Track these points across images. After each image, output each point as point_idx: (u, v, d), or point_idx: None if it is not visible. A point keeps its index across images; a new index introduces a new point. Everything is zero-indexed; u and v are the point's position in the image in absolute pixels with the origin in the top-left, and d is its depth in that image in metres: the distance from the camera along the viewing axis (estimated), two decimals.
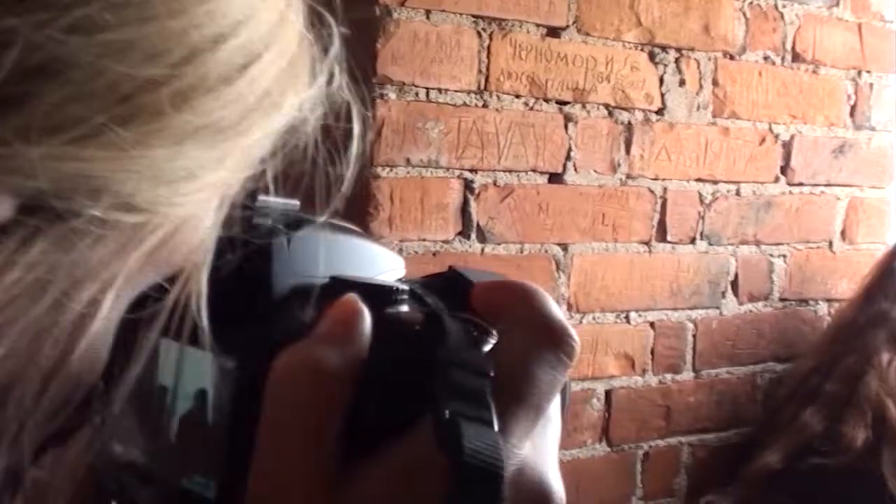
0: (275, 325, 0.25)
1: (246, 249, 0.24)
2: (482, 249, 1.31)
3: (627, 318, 1.47)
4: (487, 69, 1.31)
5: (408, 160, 1.24)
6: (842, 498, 1.38)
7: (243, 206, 0.25)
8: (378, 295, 0.26)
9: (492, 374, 0.24)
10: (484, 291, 0.27)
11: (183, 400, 0.25)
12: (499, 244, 1.33)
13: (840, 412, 1.41)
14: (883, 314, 1.49)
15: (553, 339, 0.26)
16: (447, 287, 0.28)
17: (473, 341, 0.25)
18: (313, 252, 0.26)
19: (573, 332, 0.26)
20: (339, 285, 0.26)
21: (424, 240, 1.26)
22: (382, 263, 0.29)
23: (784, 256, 1.63)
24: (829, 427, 1.40)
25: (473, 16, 1.30)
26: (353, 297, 0.25)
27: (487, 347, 0.25)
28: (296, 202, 0.27)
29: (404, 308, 0.26)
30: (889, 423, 1.37)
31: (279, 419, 0.23)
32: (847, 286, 1.69)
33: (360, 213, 1.20)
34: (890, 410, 1.38)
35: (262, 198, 0.26)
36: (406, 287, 0.27)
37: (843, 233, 1.71)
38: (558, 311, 0.27)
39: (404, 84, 1.24)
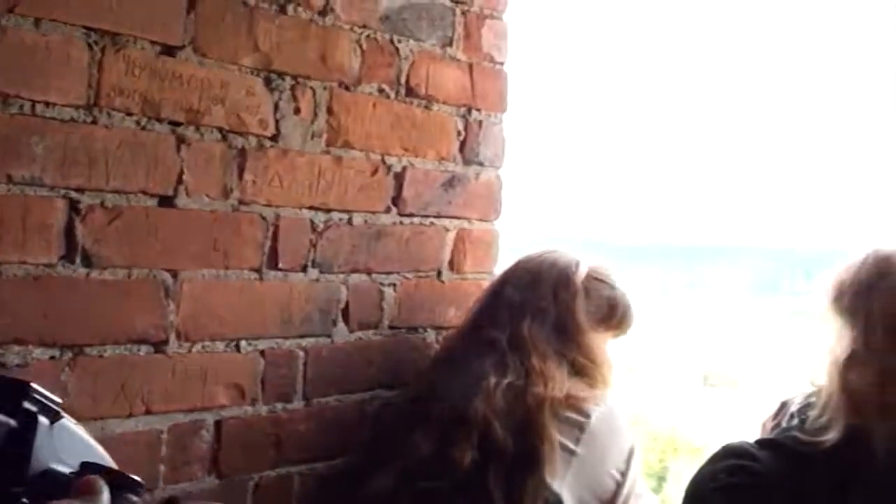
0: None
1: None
2: (87, 274, 1.72)
3: (238, 346, 1.98)
4: (98, 84, 1.73)
5: (9, 177, 1.61)
6: None
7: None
8: (124, 484, 0.63)
9: None
10: None
11: None
12: (105, 269, 1.75)
13: (448, 434, 2.03)
14: (490, 341, 2.15)
15: None
16: None
17: None
18: (68, 439, 0.60)
19: None
20: (90, 469, 0.61)
21: (25, 262, 1.64)
22: (103, 455, 0.67)
23: (394, 285, 2.27)
24: (437, 449, 2.02)
25: (86, 28, 1.71)
26: (97, 478, 0.60)
27: None
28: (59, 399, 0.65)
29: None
30: (495, 444, 2.02)
31: None
32: (455, 314, 2.39)
33: None
34: (496, 431, 2.03)
35: (35, 385, 0.61)
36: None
37: (451, 263, 2.41)
38: None
39: (8, 96, 1.61)
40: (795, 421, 1.74)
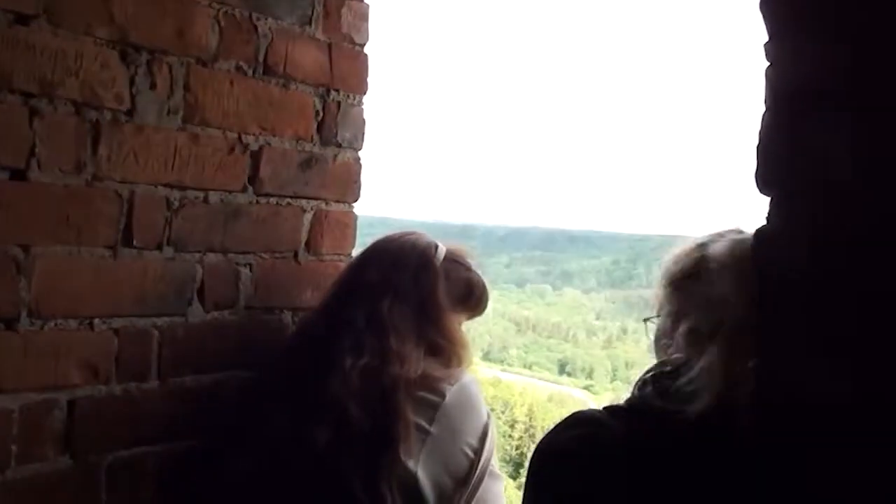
0: None
1: None
2: None
3: (91, 324, 2.03)
4: None
5: None
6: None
7: None
8: None
9: None
10: None
11: None
12: None
13: (304, 415, 2.13)
14: (348, 321, 2.26)
15: None
16: None
17: None
18: None
19: None
20: None
21: None
22: None
23: (250, 265, 2.36)
24: (294, 430, 2.12)
25: None
26: None
27: None
28: None
29: None
30: (351, 424, 2.13)
31: None
32: (311, 295, 2.50)
33: None
34: (351, 412, 2.14)
35: None
36: None
37: (308, 244, 2.51)
38: None
39: None
40: (649, 389, 1.84)
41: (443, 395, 2.16)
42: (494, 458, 2.24)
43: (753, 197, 1.30)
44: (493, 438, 2.23)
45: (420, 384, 2.15)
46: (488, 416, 2.25)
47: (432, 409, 2.14)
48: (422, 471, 2.08)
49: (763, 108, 1.33)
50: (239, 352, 2.34)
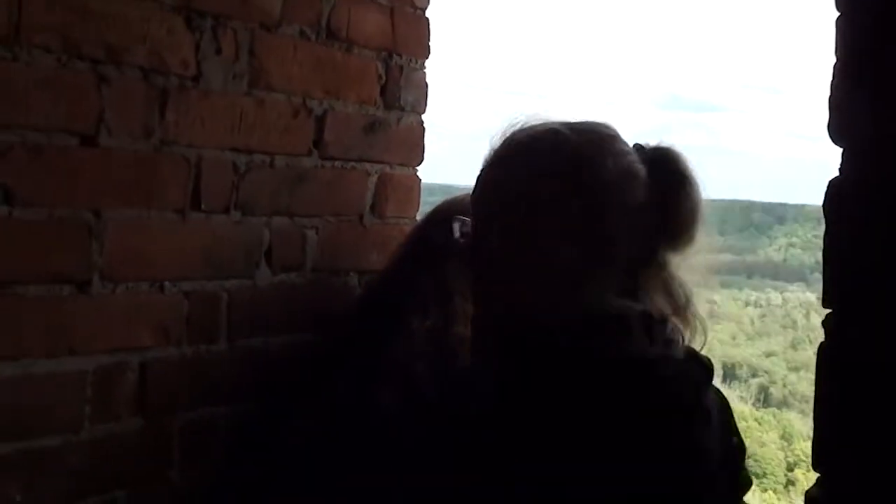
0: None
1: None
2: (9, 213, 1.77)
3: (162, 287, 2.04)
4: (18, 20, 1.77)
5: None
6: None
7: None
8: None
9: None
10: None
11: None
12: (27, 207, 1.80)
13: (370, 377, 2.13)
14: (413, 283, 2.25)
15: None
16: None
17: None
18: None
19: None
20: None
21: None
22: None
23: (316, 228, 2.35)
24: (359, 393, 2.13)
25: None
26: None
27: None
28: None
29: None
30: (417, 386, 2.12)
31: None
32: (377, 258, 2.49)
33: None
34: (417, 372, 2.13)
35: None
36: None
37: (373, 207, 2.50)
38: None
39: None
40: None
41: None
42: None
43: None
44: None
45: None
46: None
47: None
48: None
49: (834, 59, 1.29)
50: (306, 314, 2.34)
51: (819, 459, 1.26)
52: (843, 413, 1.22)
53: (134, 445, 2.02)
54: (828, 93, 1.28)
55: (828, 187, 1.27)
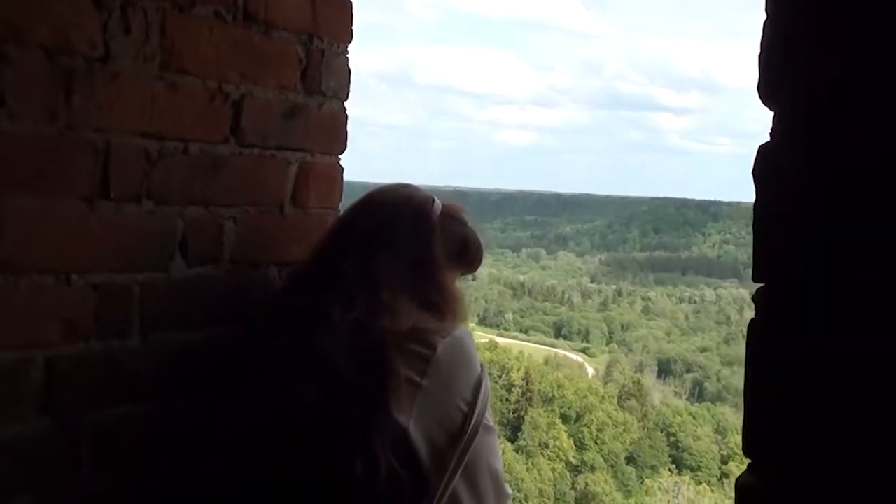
0: None
1: None
2: None
3: (68, 280, 1.96)
4: None
5: None
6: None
7: None
8: None
9: None
10: None
11: None
12: None
13: (294, 371, 2.07)
14: (339, 274, 2.19)
15: None
16: None
17: None
18: None
19: None
20: None
21: None
22: None
23: (234, 219, 2.28)
24: (285, 386, 2.06)
25: None
26: None
27: None
28: None
29: None
30: (340, 380, 2.07)
31: None
32: (298, 251, 2.43)
33: None
34: (340, 367, 2.08)
35: None
36: None
37: (293, 197, 2.44)
38: None
39: None
40: None
41: (434, 348, 2.10)
42: (489, 411, 2.19)
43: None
44: (488, 391, 2.18)
45: (411, 337, 2.09)
46: (482, 369, 2.19)
47: (423, 362, 2.08)
48: (414, 426, 2.03)
49: (764, 17, 1.26)
50: (225, 308, 2.27)
51: (749, 445, 1.23)
52: (773, 393, 1.19)
53: (40, 447, 1.94)
54: (758, 51, 1.25)
55: (757, 153, 1.23)
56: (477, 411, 2.12)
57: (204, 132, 2.21)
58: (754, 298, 1.23)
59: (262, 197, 2.37)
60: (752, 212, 1.26)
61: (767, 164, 1.22)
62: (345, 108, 2.58)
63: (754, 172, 1.23)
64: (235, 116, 2.28)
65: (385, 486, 1.97)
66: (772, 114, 1.21)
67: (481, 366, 2.21)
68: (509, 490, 2.26)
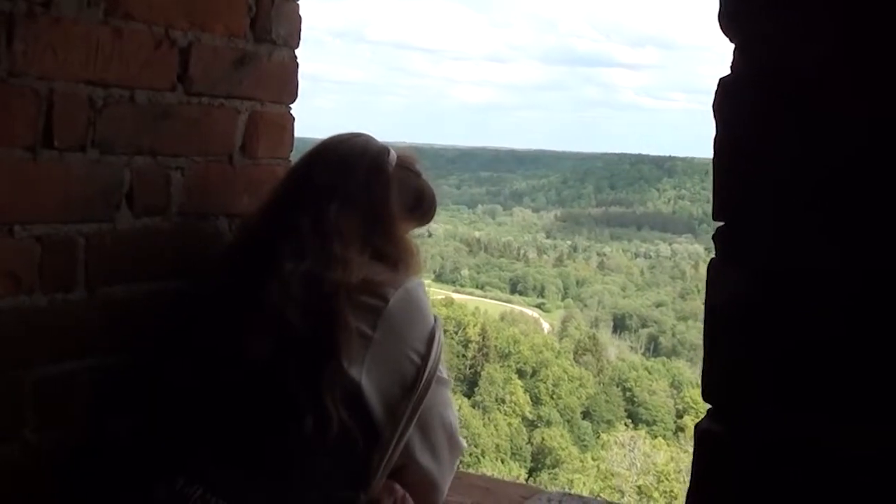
0: None
1: None
2: None
3: (11, 231, 1.92)
4: None
5: None
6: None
7: None
8: None
9: None
10: None
11: None
12: None
13: (242, 323, 2.05)
14: (292, 225, 2.16)
15: None
16: None
17: None
18: None
19: None
20: None
21: None
22: None
23: (182, 169, 2.25)
24: (231, 339, 2.04)
25: None
26: None
27: None
28: None
29: None
30: (290, 332, 2.05)
31: None
32: (248, 202, 2.40)
33: None
34: (291, 319, 2.06)
35: None
36: None
37: (243, 147, 2.40)
38: None
39: None
40: None
41: (386, 300, 2.09)
42: (442, 363, 2.18)
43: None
44: (441, 343, 2.17)
45: (363, 289, 2.08)
46: (435, 321, 2.19)
47: (375, 314, 2.07)
48: (366, 379, 2.02)
49: None
50: (173, 260, 2.25)
51: (709, 390, 1.23)
52: (733, 333, 1.20)
53: None
54: None
55: (718, 87, 1.22)
56: (430, 363, 2.12)
57: (151, 80, 2.17)
58: (714, 237, 1.22)
59: (211, 147, 2.33)
60: (707, 168, 1.25)
61: (728, 97, 1.20)
62: (295, 57, 2.55)
63: (714, 106, 1.21)
64: (183, 64, 2.24)
65: (336, 441, 1.97)
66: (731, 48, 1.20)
67: (434, 318, 2.20)
68: (463, 442, 2.27)
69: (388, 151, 2.28)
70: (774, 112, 1.15)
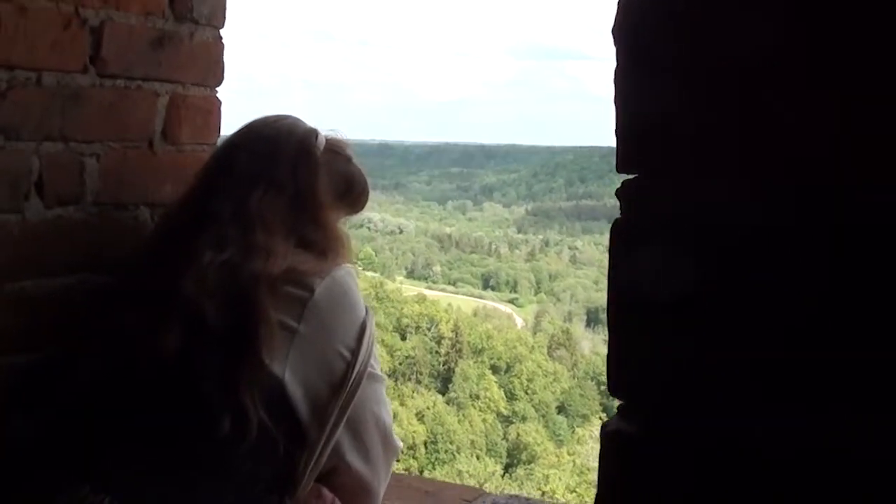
0: None
1: None
2: None
3: None
4: None
5: None
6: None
7: None
8: None
9: None
10: None
11: None
12: None
13: (155, 317, 1.94)
14: (212, 214, 2.06)
15: None
16: None
17: None
18: None
19: None
20: None
21: None
22: None
23: (97, 155, 2.14)
24: (144, 333, 1.93)
25: None
26: None
27: None
28: None
29: None
30: (205, 325, 1.94)
31: None
32: (171, 190, 2.29)
33: None
34: (206, 312, 1.95)
35: None
36: None
37: (164, 132, 2.30)
38: None
39: None
40: None
41: (311, 290, 1.98)
42: (375, 358, 2.08)
43: None
44: (373, 336, 2.06)
45: (287, 279, 1.97)
46: (367, 313, 2.08)
47: (299, 305, 1.96)
48: (290, 375, 1.91)
49: None
50: (88, 253, 2.14)
51: (617, 381, 1.09)
52: (648, 307, 1.06)
53: None
54: None
55: (616, 11, 1.08)
56: (360, 358, 2.01)
57: (59, 61, 2.06)
58: (619, 193, 1.09)
59: (129, 132, 2.23)
60: None
61: (629, 34, 1.08)
62: (221, 37, 2.44)
63: (614, 30, 1.08)
64: (95, 44, 2.13)
65: (257, 443, 1.86)
66: None
67: (366, 309, 2.09)
68: (399, 442, 2.16)
69: (317, 134, 2.18)
70: (682, 26, 1.04)
